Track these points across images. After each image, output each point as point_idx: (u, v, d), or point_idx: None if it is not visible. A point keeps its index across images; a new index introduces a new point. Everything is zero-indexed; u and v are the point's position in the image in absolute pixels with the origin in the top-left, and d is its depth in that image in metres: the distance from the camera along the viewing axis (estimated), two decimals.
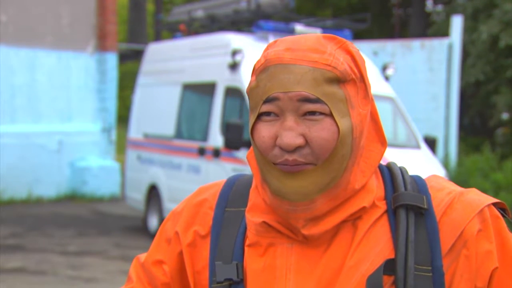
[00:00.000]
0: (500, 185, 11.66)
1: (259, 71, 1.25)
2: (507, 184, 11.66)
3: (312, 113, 1.21)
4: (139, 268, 1.46)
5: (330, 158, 1.22)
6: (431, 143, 8.95)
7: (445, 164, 12.30)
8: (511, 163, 12.39)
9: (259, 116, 1.24)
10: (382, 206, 1.29)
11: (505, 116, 16.71)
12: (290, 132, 1.21)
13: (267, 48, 1.28)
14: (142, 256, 1.47)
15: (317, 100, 1.20)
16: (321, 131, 1.21)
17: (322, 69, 1.21)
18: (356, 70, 1.26)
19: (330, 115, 1.21)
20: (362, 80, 1.27)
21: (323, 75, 1.21)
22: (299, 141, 1.21)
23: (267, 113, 1.23)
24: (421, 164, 8.00)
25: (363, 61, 1.29)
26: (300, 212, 1.24)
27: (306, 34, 1.28)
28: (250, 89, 1.26)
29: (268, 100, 1.22)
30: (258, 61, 1.27)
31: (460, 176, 12.15)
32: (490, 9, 15.95)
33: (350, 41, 1.33)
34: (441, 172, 8.26)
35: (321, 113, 1.21)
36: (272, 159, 1.23)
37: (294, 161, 1.21)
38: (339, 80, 1.22)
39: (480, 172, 12.54)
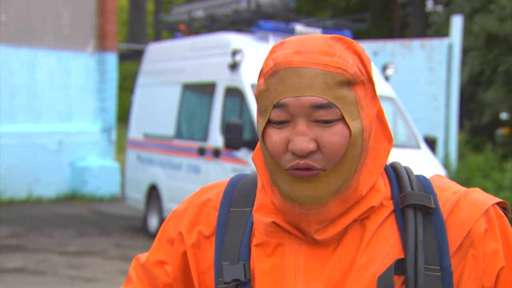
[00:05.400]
0: (502, 185, 11.66)
1: (269, 74, 1.24)
2: (510, 184, 11.67)
3: (324, 119, 1.20)
4: (139, 268, 1.45)
5: (341, 161, 1.22)
6: (431, 143, 8.95)
7: (445, 164, 12.30)
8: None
9: (269, 120, 1.23)
10: (389, 206, 1.29)
11: (504, 116, 16.72)
12: (302, 137, 1.20)
13: (274, 50, 1.26)
14: (142, 257, 1.46)
15: (328, 105, 1.20)
16: (333, 136, 1.20)
17: (333, 72, 1.20)
18: (364, 71, 1.25)
19: (342, 119, 1.21)
20: (369, 81, 1.27)
21: (334, 78, 1.20)
22: (312, 146, 1.20)
23: (278, 118, 1.22)
24: (421, 164, 8.00)
25: (369, 61, 1.29)
26: (313, 215, 1.24)
27: (313, 35, 1.27)
28: (259, 93, 1.25)
29: (278, 105, 1.21)
30: (266, 64, 1.25)
31: (461, 176, 12.15)
32: (487, 7, 15.98)
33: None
34: (441, 172, 8.26)
35: (333, 118, 1.20)
36: (283, 164, 1.23)
37: (306, 164, 1.21)
38: (349, 83, 1.22)
39: (481, 172, 12.56)
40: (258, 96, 1.26)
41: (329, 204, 1.23)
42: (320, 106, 1.19)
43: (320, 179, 1.22)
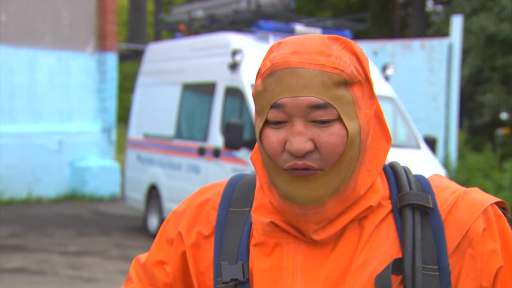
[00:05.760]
0: (502, 185, 11.67)
1: (266, 75, 1.24)
2: (509, 184, 11.68)
3: (322, 119, 1.21)
4: (139, 268, 1.45)
5: (338, 161, 1.22)
6: (431, 143, 8.95)
7: (445, 164, 12.30)
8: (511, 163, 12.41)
9: (267, 120, 1.24)
10: (387, 205, 1.29)
11: (504, 116, 16.72)
12: (300, 137, 1.20)
13: (271, 51, 1.27)
14: (142, 257, 1.47)
15: (325, 105, 1.20)
16: (330, 137, 1.21)
17: (330, 73, 1.21)
18: (361, 71, 1.25)
19: (339, 119, 1.21)
20: (367, 80, 1.27)
21: (331, 78, 1.20)
22: (309, 146, 1.20)
23: (275, 118, 1.23)
24: (421, 164, 8.00)
25: (367, 60, 1.29)
26: (311, 215, 1.24)
27: (310, 35, 1.27)
28: (257, 93, 1.26)
29: (276, 105, 1.22)
30: (263, 65, 1.26)
31: (461, 176, 12.15)
32: (486, 6, 16.00)
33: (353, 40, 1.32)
34: (441, 172, 8.26)
35: (330, 118, 1.21)
36: (281, 164, 1.23)
37: (304, 164, 1.21)
38: (346, 83, 1.22)
39: (481, 172, 12.56)
40: (256, 97, 1.26)
41: (327, 204, 1.24)
42: (317, 106, 1.20)
43: (318, 179, 1.22)
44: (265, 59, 1.27)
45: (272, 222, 1.30)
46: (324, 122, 1.21)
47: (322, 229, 1.26)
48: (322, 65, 1.21)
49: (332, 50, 1.23)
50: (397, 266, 1.23)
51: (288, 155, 1.22)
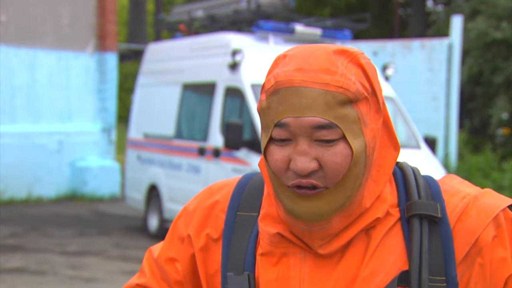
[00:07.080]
0: (501, 185, 11.66)
1: (270, 92, 1.22)
2: (509, 184, 11.67)
3: (326, 139, 1.20)
4: (153, 262, 1.46)
5: (343, 179, 1.21)
6: (431, 143, 8.95)
7: (445, 164, 12.30)
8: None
9: (271, 137, 1.23)
10: (396, 213, 1.28)
11: (505, 116, 16.71)
12: (304, 157, 1.19)
13: (276, 64, 1.25)
14: (155, 250, 1.47)
15: (330, 125, 1.18)
16: (334, 156, 1.19)
17: (334, 92, 1.19)
18: (367, 85, 1.23)
19: (343, 137, 1.20)
20: (374, 94, 1.24)
21: (335, 98, 1.19)
22: (313, 165, 1.19)
23: (279, 136, 1.22)
24: (421, 164, 8.00)
25: (374, 71, 1.27)
26: (316, 231, 1.24)
27: (316, 48, 1.24)
28: (261, 109, 1.24)
29: (279, 124, 1.21)
30: (268, 81, 1.24)
31: (461, 176, 12.15)
32: (486, 8, 15.99)
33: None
34: (441, 172, 8.26)
35: (334, 138, 1.19)
36: (285, 181, 1.22)
37: (308, 182, 1.20)
38: (351, 101, 1.20)
39: (481, 172, 12.56)
40: (261, 112, 1.25)
41: (333, 221, 1.23)
42: (321, 127, 1.18)
43: (323, 197, 1.21)
44: (269, 73, 1.25)
45: (278, 233, 1.29)
46: (328, 142, 1.19)
47: (327, 243, 1.25)
48: (326, 84, 1.19)
49: (337, 67, 1.21)
50: (403, 278, 1.22)
51: (293, 173, 1.21)
